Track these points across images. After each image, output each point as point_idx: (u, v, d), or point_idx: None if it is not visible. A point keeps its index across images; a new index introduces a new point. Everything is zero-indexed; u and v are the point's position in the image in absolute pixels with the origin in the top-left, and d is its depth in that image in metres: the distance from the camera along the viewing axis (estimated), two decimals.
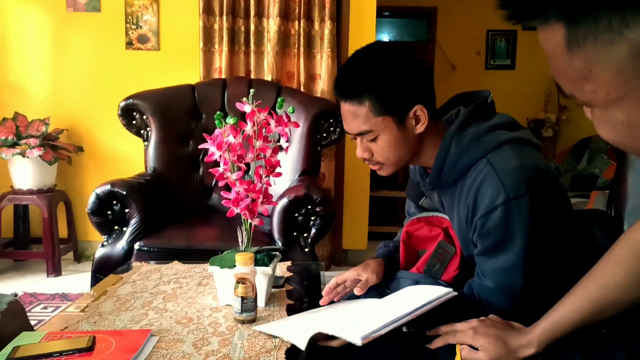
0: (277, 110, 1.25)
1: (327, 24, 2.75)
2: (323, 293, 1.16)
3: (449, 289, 0.91)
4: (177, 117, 2.44)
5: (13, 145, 2.66)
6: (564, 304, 0.82)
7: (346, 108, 1.00)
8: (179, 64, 2.87)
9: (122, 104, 2.39)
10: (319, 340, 0.92)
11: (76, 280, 2.69)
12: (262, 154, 1.20)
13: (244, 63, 2.81)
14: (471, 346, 0.83)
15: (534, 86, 4.43)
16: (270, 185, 1.21)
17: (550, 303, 0.84)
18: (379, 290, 1.13)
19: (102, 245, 2.00)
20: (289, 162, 2.30)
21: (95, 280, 1.95)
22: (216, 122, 1.19)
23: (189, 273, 1.44)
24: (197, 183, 2.44)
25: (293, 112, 1.26)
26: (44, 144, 2.68)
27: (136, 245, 1.94)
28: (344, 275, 1.15)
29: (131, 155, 2.89)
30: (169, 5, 2.88)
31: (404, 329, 0.93)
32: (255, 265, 1.12)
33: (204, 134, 1.23)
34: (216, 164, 1.19)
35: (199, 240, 2.00)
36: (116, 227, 2.02)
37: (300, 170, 2.33)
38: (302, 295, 1.32)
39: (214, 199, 2.45)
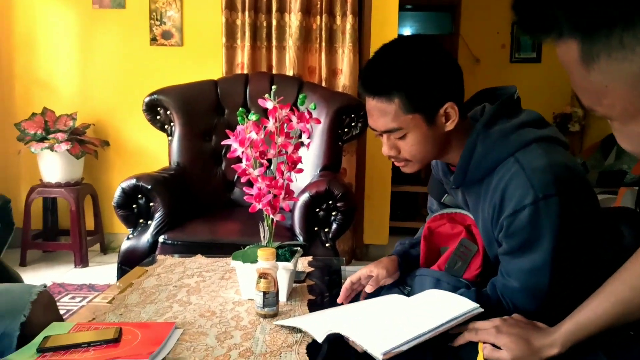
0: (299, 106, 1.26)
1: (349, 19, 2.74)
2: (340, 295, 1.16)
3: (476, 305, 0.90)
4: (200, 113, 2.47)
5: (42, 139, 2.73)
6: (590, 304, 0.81)
7: (373, 105, 0.98)
8: (202, 60, 2.90)
9: (147, 99, 2.43)
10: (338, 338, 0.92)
11: (102, 271, 2.76)
12: (284, 150, 1.21)
13: (265, 58, 2.82)
14: (494, 345, 0.82)
15: (560, 80, 4.32)
16: (291, 181, 1.22)
17: (576, 303, 0.83)
18: (400, 287, 1.13)
19: (128, 238, 2.05)
20: (310, 157, 2.31)
21: (121, 272, 2.00)
22: (239, 118, 1.20)
23: (212, 267, 1.46)
24: (219, 178, 2.47)
25: (315, 108, 1.26)
26: (71, 138, 2.75)
27: (160, 239, 1.98)
28: (357, 274, 1.15)
29: (155, 150, 2.94)
30: (192, 1, 2.91)
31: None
32: (277, 261, 1.14)
33: (227, 130, 1.25)
34: (238, 160, 1.21)
35: (221, 234, 2.02)
36: (141, 221, 2.06)
37: (321, 166, 2.33)
38: (323, 290, 1.33)
39: (235, 194, 2.48)
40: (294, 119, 1.20)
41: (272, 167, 1.22)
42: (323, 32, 2.77)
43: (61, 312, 1.14)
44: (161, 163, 2.59)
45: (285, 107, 1.20)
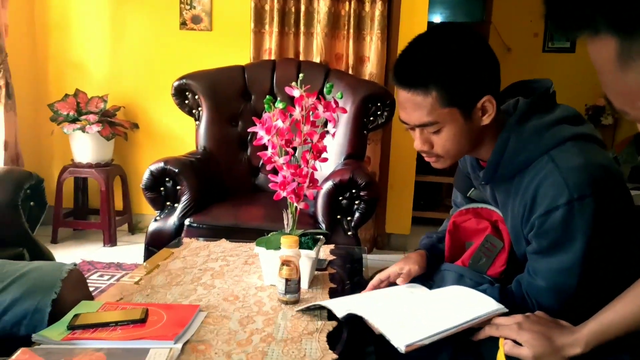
0: (326, 95, 1.26)
1: (378, 5, 2.70)
2: (366, 289, 1.15)
3: (501, 306, 0.90)
4: (227, 98, 2.49)
5: (74, 120, 2.80)
6: (616, 305, 0.80)
7: (408, 97, 0.94)
8: (230, 45, 2.91)
9: (176, 83, 2.46)
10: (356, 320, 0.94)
11: (130, 250, 2.84)
12: (309, 139, 1.21)
13: (293, 44, 2.81)
14: (515, 341, 0.82)
15: (594, 71, 4.19)
16: (316, 169, 1.23)
17: (602, 303, 0.82)
18: (423, 281, 1.13)
19: (155, 220, 2.10)
20: (335, 145, 2.31)
21: (147, 253, 2.05)
22: (265, 106, 1.21)
23: (236, 251, 1.48)
24: (244, 163, 2.50)
25: (341, 97, 1.26)
26: (102, 120, 2.81)
27: (186, 222, 2.02)
28: (387, 272, 1.13)
29: (183, 134, 2.98)
30: None
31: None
32: (299, 248, 1.15)
33: (254, 118, 1.26)
34: (264, 147, 1.22)
35: (245, 219, 2.05)
36: (168, 203, 2.11)
37: (345, 154, 2.33)
38: (345, 278, 1.34)
39: (260, 179, 2.50)
40: (320, 107, 1.20)
41: (296, 155, 1.22)
42: (351, 19, 2.74)
43: (90, 289, 1.19)
44: (188, 147, 2.62)
45: (312, 96, 1.20)
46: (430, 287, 1.09)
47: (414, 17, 2.77)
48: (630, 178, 3.14)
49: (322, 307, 1.05)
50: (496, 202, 1.05)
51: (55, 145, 3.14)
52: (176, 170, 2.08)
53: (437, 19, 4.61)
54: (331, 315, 1.02)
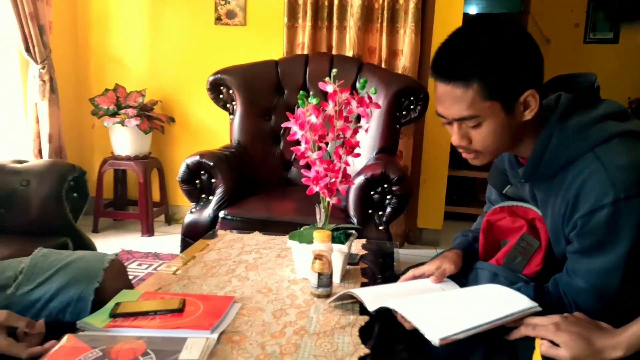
0: (359, 89, 1.26)
1: None
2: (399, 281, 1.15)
3: (535, 304, 0.88)
4: (260, 92, 2.52)
5: (114, 114, 2.89)
6: None
7: (447, 90, 0.91)
8: (264, 39, 2.94)
9: (211, 78, 2.50)
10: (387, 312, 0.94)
11: (166, 240, 2.92)
12: (342, 134, 1.22)
13: (326, 38, 2.81)
14: (552, 342, 0.81)
15: (639, 63, 4.02)
16: (348, 165, 1.24)
17: None
18: (455, 280, 1.12)
19: (191, 212, 2.15)
20: (367, 140, 2.30)
21: (184, 244, 2.11)
22: (299, 101, 1.22)
23: (269, 244, 1.51)
24: (277, 157, 2.53)
25: (375, 93, 1.26)
26: (140, 114, 2.89)
27: (221, 214, 2.06)
28: (422, 269, 1.12)
29: (217, 127, 3.04)
30: None
31: None
32: (332, 243, 1.16)
33: (287, 113, 1.27)
34: (297, 141, 1.23)
35: (277, 212, 2.07)
36: (203, 196, 2.15)
37: (377, 148, 2.32)
38: (376, 273, 1.35)
39: (292, 173, 2.53)
40: (354, 103, 1.20)
41: (329, 150, 1.23)
42: (385, 12, 2.71)
43: (129, 277, 1.23)
44: (222, 140, 2.67)
45: (345, 91, 1.20)
46: (462, 286, 1.08)
47: (449, 9, 2.72)
48: None
49: (353, 300, 1.06)
50: (535, 200, 1.03)
51: (96, 138, 3.25)
52: (211, 164, 2.12)
53: (473, 10, 4.52)
54: (363, 310, 1.03)
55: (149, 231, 2.99)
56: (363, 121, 1.23)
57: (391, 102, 2.34)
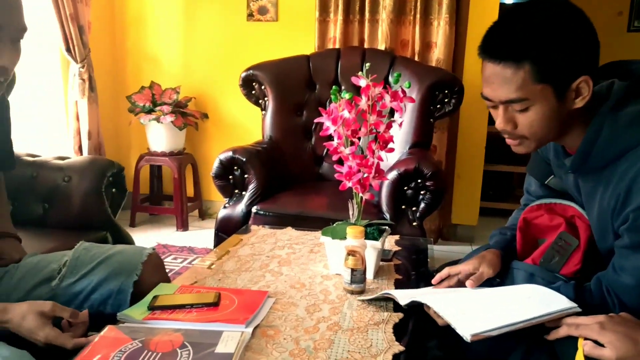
0: (392, 84, 1.24)
1: None
2: (433, 281, 1.12)
3: (574, 305, 0.85)
4: (292, 88, 2.53)
5: (149, 111, 2.96)
6: None
7: (496, 71, 0.87)
8: (295, 34, 2.94)
9: (243, 74, 2.52)
10: (423, 307, 0.92)
11: (200, 235, 2.97)
12: (376, 129, 1.21)
13: (357, 32, 2.79)
14: (596, 342, 0.78)
15: None
16: (382, 160, 1.22)
17: None
18: (489, 280, 1.07)
19: (224, 207, 2.18)
20: (400, 134, 2.28)
21: (217, 238, 2.14)
22: (332, 97, 1.22)
23: (302, 239, 1.51)
24: (309, 152, 2.53)
25: (409, 87, 1.24)
26: (175, 110, 2.95)
27: (253, 209, 2.08)
28: (459, 267, 1.08)
29: (250, 123, 3.06)
30: None
31: None
32: (365, 239, 1.15)
33: (320, 108, 1.27)
34: (330, 137, 1.22)
35: (309, 207, 2.08)
36: (236, 191, 2.18)
37: (410, 143, 2.29)
38: (410, 269, 1.33)
39: (324, 168, 2.53)
40: (387, 97, 1.19)
41: (362, 145, 1.22)
42: (418, 3, 2.67)
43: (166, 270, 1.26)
44: (254, 136, 2.69)
45: (379, 85, 1.19)
46: (497, 286, 1.05)
47: (485, 0, 2.66)
48: None
49: (387, 298, 1.05)
50: (578, 192, 0.99)
51: (133, 134, 3.34)
52: (244, 160, 2.14)
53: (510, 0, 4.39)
54: (397, 307, 1.02)
55: (183, 226, 3.05)
56: (397, 115, 1.21)
57: (425, 95, 2.31)
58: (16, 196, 1.61)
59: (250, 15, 3.03)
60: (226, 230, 2.08)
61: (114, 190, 1.78)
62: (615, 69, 0.95)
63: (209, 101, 3.21)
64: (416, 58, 2.70)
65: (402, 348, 0.88)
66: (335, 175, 1.25)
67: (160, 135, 3.00)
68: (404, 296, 1.00)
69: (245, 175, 2.16)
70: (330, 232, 1.25)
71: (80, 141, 2.87)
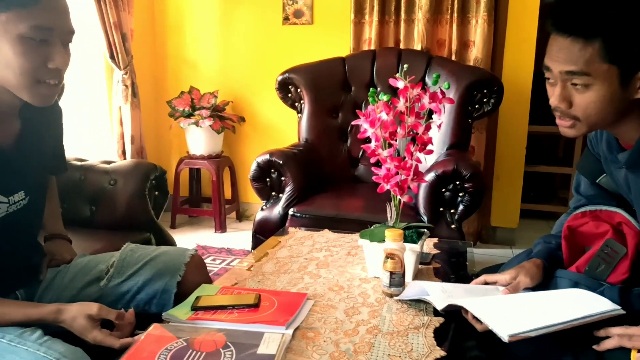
0: (431, 85, 1.23)
1: None
2: (471, 284, 1.10)
3: (617, 307, 0.82)
4: (328, 90, 2.53)
5: (189, 115, 3.03)
6: None
7: (564, 45, 0.84)
8: (330, 37, 2.95)
9: (279, 78, 2.55)
10: (461, 312, 0.91)
11: (238, 237, 3.02)
12: (414, 130, 1.20)
13: (393, 33, 2.77)
14: None
15: None
16: (420, 162, 1.21)
17: None
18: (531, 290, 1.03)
19: (262, 209, 2.21)
20: (437, 135, 2.25)
21: (255, 240, 2.17)
22: (369, 99, 1.22)
23: (339, 242, 1.52)
24: (344, 154, 2.53)
25: (448, 87, 1.22)
26: (213, 114, 3.01)
27: (290, 211, 2.10)
28: (496, 277, 1.05)
29: (286, 126, 3.09)
30: None
31: None
32: (404, 242, 1.15)
33: (357, 111, 1.27)
34: (366, 139, 1.22)
35: (346, 209, 2.08)
36: (273, 193, 2.20)
37: (448, 144, 2.26)
38: (449, 273, 1.31)
39: (360, 170, 2.52)
40: (426, 98, 1.18)
41: (400, 147, 1.21)
42: (455, 2, 2.63)
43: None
44: (291, 139, 2.72)
45: (417, 87, 1.18)
46: None
47: None
48: None
49: (424, 302, 1.04)
50: (629, 188, 0.95)
51: (173, 138, 3.42)
52: (280, 162, 2.16)
53: None
54: (437, 311, 1.00)
55: (221, 227, 3.11)
56: (435, 117, 1.20)
57: (462, 95, 2.27)
58: (65, 198, 1.68)
59: (285, 19, 3.06)
60: (263, 232, 2.11)
61: (156, 192, 1.84)
62: None
63: (245, 105, 3.26)
64: (453, 57, 2.66)
65: (443, 353, 0.87)
66: (373, 178, 1.24)
67: (199, 139, 3.07)
68: (441, 299, 0.99)
69: (282, 178, 2.18)
70: (369, 234, 1.25)
71: (124, 145, 2.97)
